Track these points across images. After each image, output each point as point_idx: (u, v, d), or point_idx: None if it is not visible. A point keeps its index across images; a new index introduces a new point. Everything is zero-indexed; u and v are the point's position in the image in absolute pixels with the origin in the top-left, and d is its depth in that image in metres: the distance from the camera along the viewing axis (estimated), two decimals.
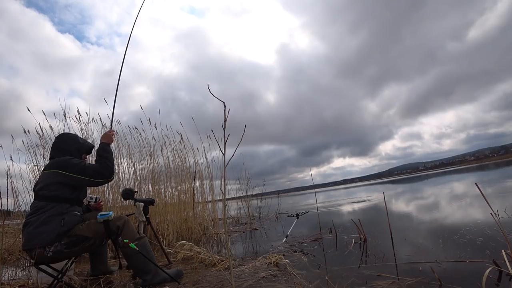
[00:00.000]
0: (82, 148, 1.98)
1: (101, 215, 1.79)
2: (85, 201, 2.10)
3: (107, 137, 1.98)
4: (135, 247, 1.89)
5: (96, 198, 2.20)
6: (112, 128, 2.22)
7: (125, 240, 1.76)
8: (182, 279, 2.00)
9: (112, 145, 2.09)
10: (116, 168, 3.94)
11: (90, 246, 1.79)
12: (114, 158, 2.03)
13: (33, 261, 1.61)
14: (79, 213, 1.81)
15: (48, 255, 1.63)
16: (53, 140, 1.98)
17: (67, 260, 1.89)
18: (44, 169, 1.81)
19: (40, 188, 1.72)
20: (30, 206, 1.77)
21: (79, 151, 1.96)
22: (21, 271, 2.88)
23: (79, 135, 2.54)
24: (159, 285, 1.83)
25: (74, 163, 1.76)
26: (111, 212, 1.82)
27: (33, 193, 1.79)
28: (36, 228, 1.61)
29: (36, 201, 1.72)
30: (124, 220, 1.86)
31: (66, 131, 3.72)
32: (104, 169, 1.78)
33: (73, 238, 1.69)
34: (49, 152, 1.97)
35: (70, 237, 1.68)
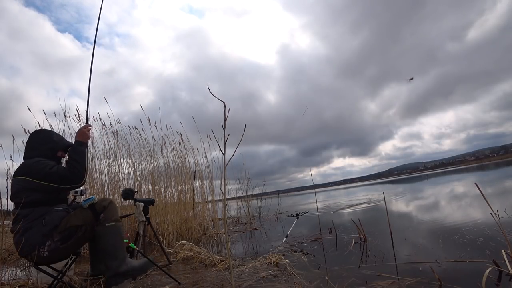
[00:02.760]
0: (56, 146, 1.86)
1: (85, 201, 1.77)
2: (70, 196, 2.07)
3: (81, 134, 1.82)
4: (134, 246, 1.88)
5: (82, 191, 2.18)
6: (89, 123, 2.02)
7: (125, 240, 1.75)
8: (150, 270, 1.94)
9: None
10: (117, 168, 3.94)
11: (83, 235, 1.74)
12: (90, 158, 1.90)
13: (32, 261, 1.61)
14: (61, 208, 1.75)
15: (45, 255, 1.61)
16: None
17: (67, 260, 1.88)
18: (13, 174, 1.74)
19: (12, 196, 1.68)
20: (12, 211, 1.73)
21: (53, 150, 1.85)
22: (21, 271, 2.88)
23: None
24: (125, 276, 1.74)
25: (39, 168, 1.64)
26: (94, 196, 1.80)
27: None
28: (21, 236, 1.59)
29: (14, 208, 1.68)
30: (109, 200, 1.85)
31: (66, 130, 3.72)
32: (72, 173, 1.66)
33: (65, 232, 1.66)
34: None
35: (62, 232, 1.66)
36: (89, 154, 1.85)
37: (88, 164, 1.80)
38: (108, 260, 1.71)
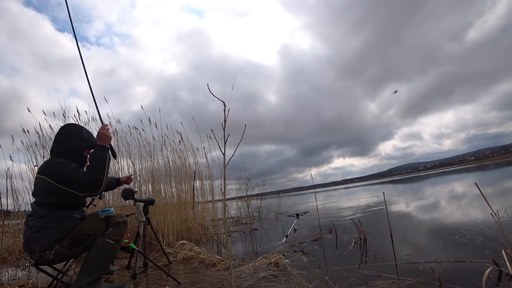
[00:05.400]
0: (84, 144, 1.80)
1: (102, 211, 1.77)
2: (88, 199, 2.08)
3: (102, 137, 1.71)
4: (134, 246, 1.88)
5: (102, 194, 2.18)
6: (105, 123, 1.87)
7: (125, 240, 1.75)
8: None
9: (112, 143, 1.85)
10: (117, 168, 3.93)
11: (91, 244, 1.76)
12: (111, 163, 1.75)
13: (33, 261, 1.61)
14: (79, 216, 1.75)
15: (50, 258, 1.61)
16: (52, 140, 1.88)
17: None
18: (37, 171, 1.71)
19: (34, 193, 1.69)
20: (31, 205, 1.74)
21: (80, 148, 1.79)
22: (21, 271, 2.88)
23: None
24: None
25: (61, 171, 1.59)
26: (112, 209, 1.80)
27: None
28: (33, 233, 1.59)
29: (34, 203, 1.68)
30: (125, 219, 1.85)
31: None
32: (89, 181, 1.58)
33: (75, 239, 1.67)
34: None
35: (72, 238, 1.67)
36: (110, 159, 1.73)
37: (109, 169, 1.69)
38: (83, 273, 1.64)
